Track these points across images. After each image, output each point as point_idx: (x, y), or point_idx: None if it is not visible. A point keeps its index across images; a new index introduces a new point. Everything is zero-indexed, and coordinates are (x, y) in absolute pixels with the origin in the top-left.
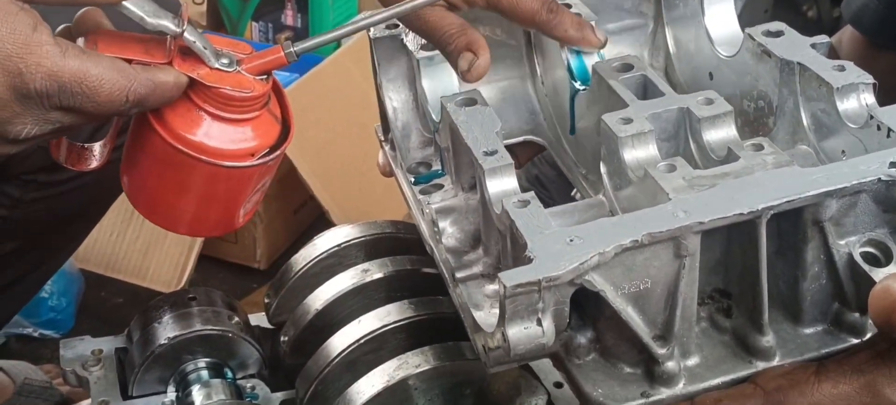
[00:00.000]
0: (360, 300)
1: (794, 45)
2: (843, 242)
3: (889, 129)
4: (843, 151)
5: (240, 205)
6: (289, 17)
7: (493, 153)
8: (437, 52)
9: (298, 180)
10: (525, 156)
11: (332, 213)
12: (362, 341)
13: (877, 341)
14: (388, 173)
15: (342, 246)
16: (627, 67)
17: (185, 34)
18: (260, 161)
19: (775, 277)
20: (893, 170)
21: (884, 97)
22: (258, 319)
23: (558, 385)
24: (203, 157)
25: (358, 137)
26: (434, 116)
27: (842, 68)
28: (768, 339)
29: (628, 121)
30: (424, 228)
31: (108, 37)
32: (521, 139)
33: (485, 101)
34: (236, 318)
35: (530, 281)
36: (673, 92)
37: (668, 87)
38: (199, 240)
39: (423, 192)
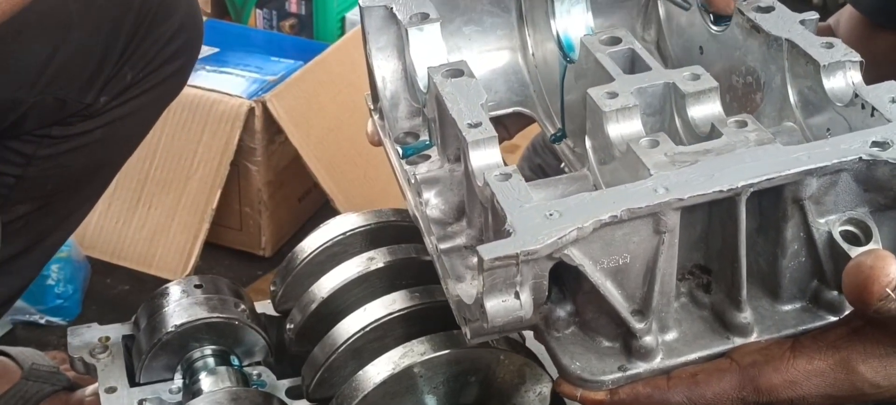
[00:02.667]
0: (366, 288)
1: (784, 21)
2: (823, 221)
3: (873, 108)
4: (828, 129)
5: None
6: (293, 4)
7: (476, 125)
8: (426, 21)
9: (303, 168)
10: (515, 127)
11: (337, 201)
12: (368, 329)
13: (852, 318)
14: (376, 142)
15: (347, 234)
16: (615, 41)
17: None
18: None
19: (755, 254)
20: (874, 149)
21: (883, 77)
22: (264, 307)
23: None
24: None
25: (363, 125)
26: (422, 87)
27: (829, 46)
28: (746, 316)
29: (614, 95)
30: (410, 199)
31: None
32: (510, 110)
33: (471, 73)
34: (242, 306)
35: (508, 254)
36: (660, 66)
37: (654, 61)
38: (205, 227)
39: (409, 163)
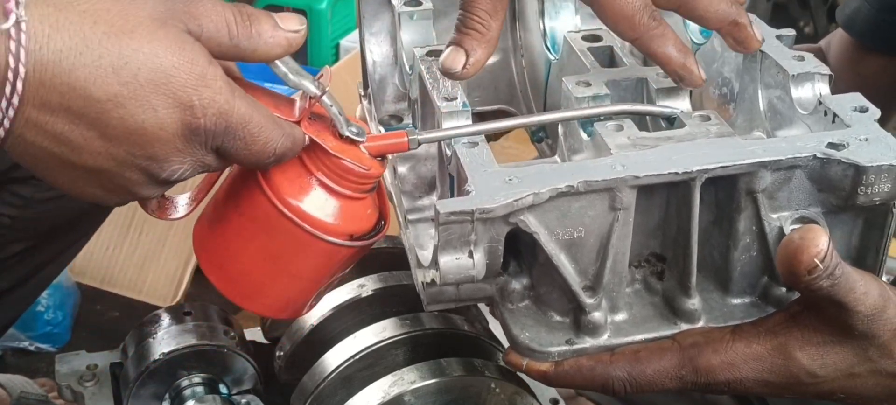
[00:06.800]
0: (356, 315)
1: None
2: (775, 216)
3: (834, 115)
4: None
5: (318, 286)
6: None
7: (451, 99)
8: (418, 7)
9: None
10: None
11: None
12: (358, 357)
13: (791, 305)
14: None
15: None
16: (595, 38)
17: (324, 98)
18: (358, 243)
19: (710, 247)
20: (830, 149)
21: (871, 99)
22: (254, 334)
23: (554, 401)
24: (306, 226)
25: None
26: (408, 70)
27: (801, 58)
28: (694, 302)
29: (587, 84)
30: (387, 176)
31: (241, 84)
32: (495, 108)
33: None
34: (232, 333)
35: (464, 210)
36: (635, 64)
37: (631, 59)
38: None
39: None
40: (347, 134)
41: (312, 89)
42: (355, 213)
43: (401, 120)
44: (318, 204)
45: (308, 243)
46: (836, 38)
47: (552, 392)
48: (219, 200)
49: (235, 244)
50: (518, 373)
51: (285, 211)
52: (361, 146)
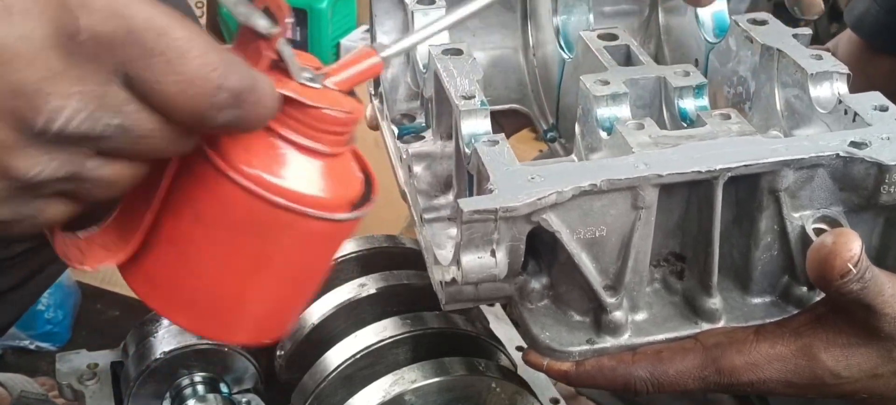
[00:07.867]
0: (357, 314)
1: (777, 34)
2: (797, 215)
3: (855, 114)
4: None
5: (314, 284)
6: (287, 29)
7: (470, 97)
8: (432, 5)
9: None
10: (511, 127)
11: None
12: (358, 356)
13: (817, 306)
14: (374, 126)
15: (339, 260)
16: (612, 37)
17: (280, 41)
18: (360, 212)
19: (730, 246)
20: (853, 148)
21: None
22: None
23: (554, 401)
24: (298, 207)
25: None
26: (422, 67)
27: (819, 57)
28: (715, 302)
29: (605, 82)
30: (401, 175)
31: None
32: (507, 107)
33: (470, 53)
34: None
35: (487, 209)
36: (653, 62)
37: (648, 58)
38: None
39: (403, 142)
40: (302, 80)
41: (263, 26)
42: (345, 173)
43: (413, 119)
44: (307, 175)
45: (310, 230)
46: (844, 39)
47: (552, 392)
48: (163, 220)
49: (207, 264)
50: (519, 373)
51: (271, 197)
52: (331, 82)
